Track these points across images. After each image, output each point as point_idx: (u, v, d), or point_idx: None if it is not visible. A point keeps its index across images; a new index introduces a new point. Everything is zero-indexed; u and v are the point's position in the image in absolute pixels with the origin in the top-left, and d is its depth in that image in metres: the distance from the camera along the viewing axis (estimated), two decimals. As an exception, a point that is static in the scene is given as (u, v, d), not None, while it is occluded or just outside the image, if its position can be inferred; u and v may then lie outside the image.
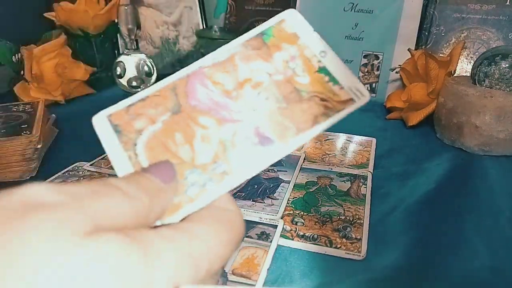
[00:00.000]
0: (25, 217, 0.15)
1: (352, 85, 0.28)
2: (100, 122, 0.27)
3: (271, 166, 0.51)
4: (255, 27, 0.31)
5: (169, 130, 0.28)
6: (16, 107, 0.65)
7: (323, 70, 0.29)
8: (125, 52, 0.86)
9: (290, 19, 0.31)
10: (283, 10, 0.33)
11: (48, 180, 0.50)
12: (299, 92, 0.28)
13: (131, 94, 0.30)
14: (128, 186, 0.19)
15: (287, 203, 0.43)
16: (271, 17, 0.33)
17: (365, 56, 0.83)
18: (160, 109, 0.28)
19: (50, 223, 0.15)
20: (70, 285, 0.14)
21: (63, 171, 0.52)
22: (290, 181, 0.48)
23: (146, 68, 0.86)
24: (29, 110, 0.63)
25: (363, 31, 0.83)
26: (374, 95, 0.84)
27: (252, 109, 0.28)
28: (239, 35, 0.31)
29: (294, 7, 0.85)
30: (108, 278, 0.15)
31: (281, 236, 0.37)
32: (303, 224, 0.40)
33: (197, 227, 0.21)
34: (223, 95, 0.29)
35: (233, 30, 0.93)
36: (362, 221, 0.40)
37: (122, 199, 0.18)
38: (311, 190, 0.46)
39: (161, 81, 0.29)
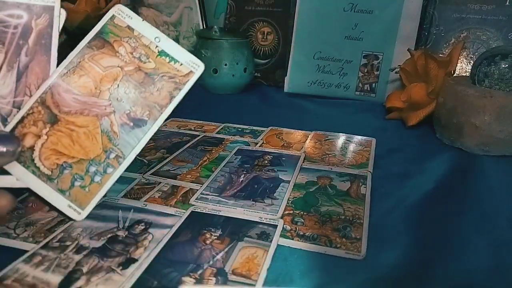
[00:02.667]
0: None
1: (188, 59, 0.34)
2: None
3: (271, 166, 0.52)
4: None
5: (55, 139, 0.33)
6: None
7: (162, 53, 0.34)
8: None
9: (119, 14, 0.35)
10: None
11: None
12: (150, 76, 0.33)
13: None
14: None
15: (287, 203, 0.43)
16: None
17: (364, 56, 0.83)
18: (39, 125, 0.33)
19: None
20: None
21: None
22: (290, 181, 0.48)
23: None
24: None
25: (362, 31, 0.83)
26: (373, 95, 0.84)
27: (117, 99, 0.33)
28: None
29: (294, 7, 0.85)
30: None
31: (281, 235, 0.37)
32: (303, 223, 0.40)
33: None
34: (88, 95, 0.33)
35: (233, 30, 0.93)
36: (362, 221, 0.40)
37: None
38: (311, 190, 0.46)
39: (29, 99, 0.34)
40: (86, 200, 0.32)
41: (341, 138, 0.63)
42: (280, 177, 0.49)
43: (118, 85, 0.33)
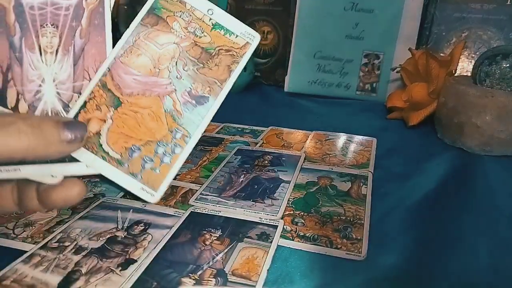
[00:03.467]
0: None
1: (243, 30, 0.32)
2: None
3: (271, 166, 0.51)
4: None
5: (121, 122, 0.32)
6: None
7: (216, 26, 0.33)
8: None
9: None
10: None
11: None
12: (207, 51, 0.32)
13: None
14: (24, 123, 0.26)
15: (287, 203, 0.43)
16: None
17: (365, 56, 0.83)
18: (103, 109, 0.32)
19: None
20: None
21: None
22: (290, 181, 0.48)
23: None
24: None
25: (363, 30, 0.82)
26: (374, 94, 0.84)
27: (177, 77, 0.32)
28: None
29: (294, 6, 0.85)
30: None
31: (281, 236, 0.37)
32: (304, 224, 0.40)
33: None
34: (147, 75, 0.32)
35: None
36: (362, 221, 0.40)
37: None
38: (311, 190, 0.46)
39: (89, 83, 0.32)
40: (158, 182, 0.30)
41: (341, 138, 0.63)
42: (280, 177, 0.49)
43: (176, 63, 0.32)
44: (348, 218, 0.41)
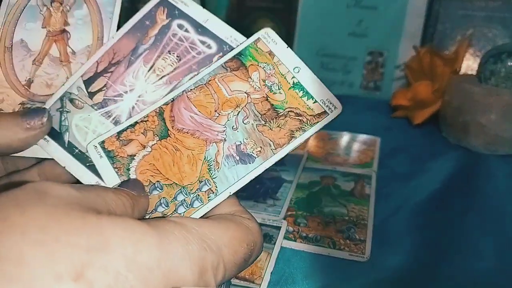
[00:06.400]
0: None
1: (325, 98, 0.29)
2: (94, 149, 0.30)
3: (273, 165, 0.51)
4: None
5: (158, 154, 0.30)
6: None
7: (297, 85, 0.30)
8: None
9: (264, 38, 0.32)
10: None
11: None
12: (275, 109, 0.29)
13: None
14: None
15: (290, 203, 0.43)
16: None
17: (369, 53, 0.82)
18: (149, 135, 0.30)
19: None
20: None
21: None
22: (292, 181, 0.47)
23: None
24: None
25: (367, 27, 0.82)
26: (378, 93, 0.83)
27: (233, 128, 0.30)
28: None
29: (297, 3, 0.84)
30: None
31: (284, 237, 0.37)
32: (306, 225, 0.39)
33: (206, 222, 0.23)
34: (206, 116, 0.30)
35: (234, 27, 0.92)
36: (366, 222, 0.40)
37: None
38: (314, 190, 0.46)
39: (149, 107, 0.32)
40: None
41: (345, 137, 0.62)
42: (282, 177, 0.48)
43: (238, 113, 0.30)
44: (352, 219, 0.40)
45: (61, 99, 0.34)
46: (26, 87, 0.36)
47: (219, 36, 0.34)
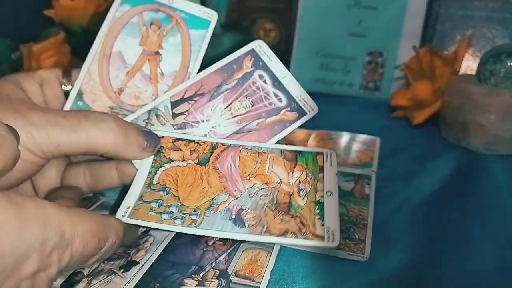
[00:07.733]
0: None
1: (333, 228, 0.32)
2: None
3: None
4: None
5: (186, 172, 0.34)
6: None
7: (319, 206, 0.33)
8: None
9: (326, 155, 0.37)
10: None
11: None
12: (290, 206, 0.33)
13: None
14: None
15: (290, 203, 0.43)
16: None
17: (369, 54, 0.83)
18: (193, 155, 0.35)
19: None
20: None
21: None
22: (293, 180, 0.47)
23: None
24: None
25: (367, 28, 0.82)
26: (378, 93, 0.83)
27: (250, 195, 0.33)
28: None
29: (297, 3, 0.84)
30: None
31: (284, 237, 0.37)
32: (307, 224, 0.39)
33: (67, 210, 0.25)
34: (239, 173, 0.34)
35: (234, 27, 0.92)
36: (366, 222, 0.40)
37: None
38: (314, 190, 0.46)
39: (211, 137, 0.37)
40: (139, 217, 0.32)
41: (344, 137, 0.62)
42: (283, 176, 0.48)
43: (262, 188, 0.34)
44: (351, 218, 0.40)
45: (149, 112, 0.37)
46: (117, 94, 0.39)
47: (291, 94, 0.39)
